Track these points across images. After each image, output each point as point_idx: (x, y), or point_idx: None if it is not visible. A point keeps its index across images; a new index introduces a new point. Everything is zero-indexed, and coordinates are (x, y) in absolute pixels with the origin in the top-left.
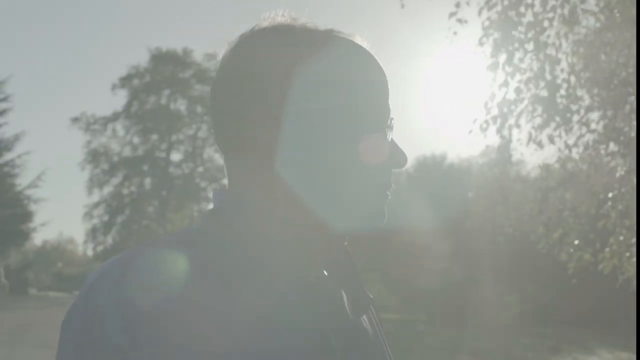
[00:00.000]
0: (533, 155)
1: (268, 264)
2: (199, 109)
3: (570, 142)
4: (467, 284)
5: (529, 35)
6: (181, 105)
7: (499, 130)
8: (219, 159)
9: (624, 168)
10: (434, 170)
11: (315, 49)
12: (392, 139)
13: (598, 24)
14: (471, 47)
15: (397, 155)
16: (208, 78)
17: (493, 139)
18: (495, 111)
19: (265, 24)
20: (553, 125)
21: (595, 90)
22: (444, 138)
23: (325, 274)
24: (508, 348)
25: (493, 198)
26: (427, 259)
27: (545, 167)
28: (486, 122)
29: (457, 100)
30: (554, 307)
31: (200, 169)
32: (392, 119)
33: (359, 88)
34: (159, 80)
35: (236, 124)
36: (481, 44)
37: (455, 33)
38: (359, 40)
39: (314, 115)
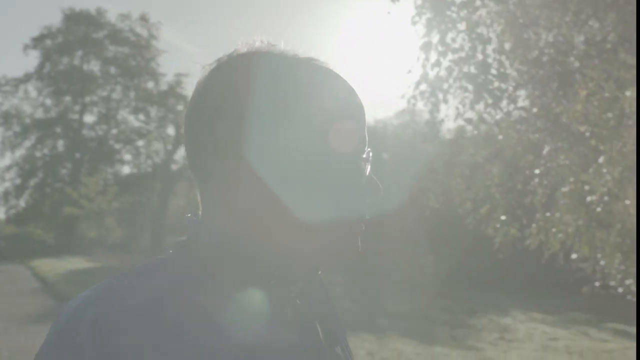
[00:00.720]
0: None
1: (238, 299)
2: (112, 70)
3: (499, 119)
4: (383, 245)
5: (462, 14)
6: (95, 66)
7: (426, 106)
8: (133, 121)
9: (550, 145)
10: None
11: (294, 78)
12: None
13: (528, 2)
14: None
15: (374, 186)
16: (122, 39)
17: (420, 114)
18: (424, 87)
19: (243, 49)
20: (482, 103)
21: (524, 68)
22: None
23: (299, 305)
24: (426, 310)
25: (406, 158)
26: None
27: (473, 142)
28: (414, 97)
29: (374, 62)
30: (470, 270)
31: (114, 131)
32: (369, 151)
33: (337, 120)
34: (72, 40)
35: (204, 154)
36: (414, 23)
37: (389, 12)
38: (337, 70)
39: (287, 147)
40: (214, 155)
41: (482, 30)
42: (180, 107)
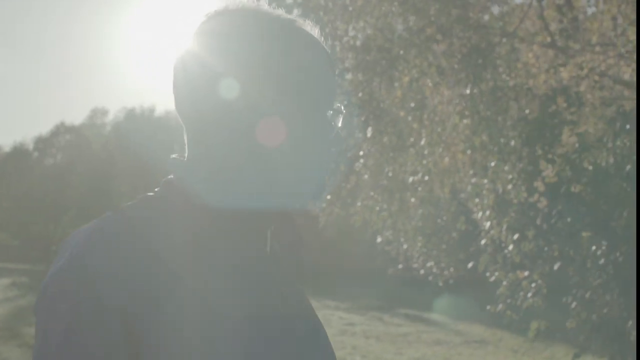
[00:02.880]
0: None
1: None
2: None
3: None
4: None
5: (298, 0)
6: None
7: None
8: None
9: (374, 128)
10: (142, 121)
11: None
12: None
13: None
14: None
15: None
16: None
17: None
18: None
19: (232, 6)
20: None
21: (351, 54)
22: (154, 90)
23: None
24: None
25: None
26: None
27: None
28: None
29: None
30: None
31: None
32: (340, 105)
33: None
34: None
35: (191, 101)
36: None
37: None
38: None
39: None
40: (193, 103)
41: (315, 16)
42: None
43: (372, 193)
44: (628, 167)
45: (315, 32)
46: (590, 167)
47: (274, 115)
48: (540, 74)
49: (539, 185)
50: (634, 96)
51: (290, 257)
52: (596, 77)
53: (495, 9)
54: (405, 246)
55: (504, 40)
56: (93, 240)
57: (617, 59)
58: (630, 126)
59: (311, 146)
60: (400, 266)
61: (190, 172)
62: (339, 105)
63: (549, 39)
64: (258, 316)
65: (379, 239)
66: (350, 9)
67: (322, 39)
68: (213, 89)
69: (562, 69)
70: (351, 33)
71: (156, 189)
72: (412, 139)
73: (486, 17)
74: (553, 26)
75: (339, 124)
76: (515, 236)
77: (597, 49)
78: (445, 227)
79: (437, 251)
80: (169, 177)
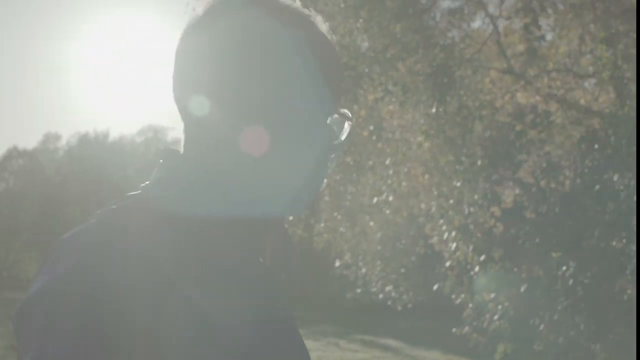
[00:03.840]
0: None
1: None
2: None
3: None
4: None
5: None
6: None
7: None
8: None
9: None
10: (96, 147)
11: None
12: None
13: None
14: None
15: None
16: None
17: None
18: None
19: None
20: None
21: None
22: (108, 115)
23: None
24: None
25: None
26: None
27: None
28: None
29: (124, 78)
30: None
31: None
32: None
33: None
34: None
35: (182, 100)
36: None
37: (194, 9)
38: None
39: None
40: (184, 103)
41: None
42: None
43: (335, 214)
44: (597, 186)
45: (323, 28)
46: (559, 187)
47: (260, 122)
48: (497, 99)
49: (495, 210)
50: (596, 119)
51: (280, 264)
52: (553, 103)
53: (454, 33)
54: (363, 270)
55: (464, 63)
56: (96, 248)
57: (573, 84)
58: (599, 146)
59: (304, 153)
60: (358, 290)
61: (173, 180)
62: (344, 111)
63: (505, 65)
64: (256, 320)
65: (337, 263)
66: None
67: (331, 37)
68: (202, 92)
69: (518, 93)
70: None
71: (120, 202)
72: (370, 162)
73: (448, 40)
74: (510, 52)
75: (344, 130)
76: (482, 257)
77: (554, 74)
78: (405, 251)
79: (396, 275)
80: (132, 193)
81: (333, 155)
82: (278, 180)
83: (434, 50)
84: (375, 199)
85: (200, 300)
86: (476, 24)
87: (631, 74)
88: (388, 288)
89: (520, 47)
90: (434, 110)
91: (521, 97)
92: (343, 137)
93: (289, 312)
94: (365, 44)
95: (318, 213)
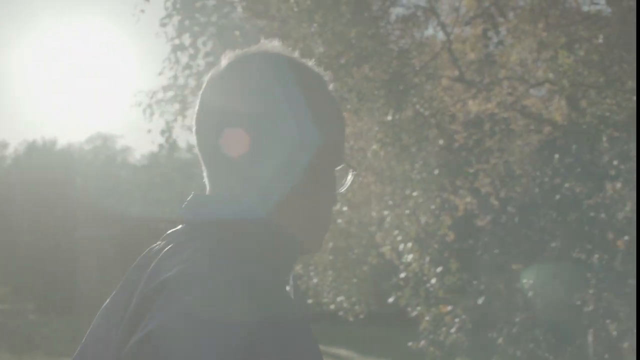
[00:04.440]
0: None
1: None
2: None
3: None
4: (75, 271)
5: (212, 18)
6: None
7: (162, 116)
8: None
9: None
10: (44, 155)
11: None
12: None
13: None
14: (154, 29)
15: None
16: None
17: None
18: (161, 96)
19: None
20: None
21: None
22: (56, 122)
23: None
24: None
25: (100, 184)
26: (34, 249)
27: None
28: (150, 106)
29: (72, 84)
30: None
31: None
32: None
33: (333, 127)
34: None
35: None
36: (163, 24)
37: (142, 11)
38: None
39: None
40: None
41: (232, 34)
42: None
43: None
44: (557, 196)
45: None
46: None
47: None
48: (449, 108)
49: (446, 219)
50: (548, 128)
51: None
52: (505, 113)
53: (407, 41)
54: (315, 280)
55: (419, 70)
56: (216, 283)
57: (525, 92)
58: (560, 155)
59: (323, 199)
60: (310, 301)
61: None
62: (347, 163)
63: (457, 73)
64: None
65: None
66: (267, 29)
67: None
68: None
69: (470, 101)
70: None
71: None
72: None
73: (404, 47)
74: (461, 60)
75: (347, 180)
76: (439, 269)
77: (506, 82)
78: (357, 261)
79: (347, 285)
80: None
81: (334, 205)
82: (308, 221)
83: (389, 57)
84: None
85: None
86: (429, 31)
87: (593, 80)
88: (340, 298)
89: (472, 55)
90: (389, 118)
91: (472, 105)
92: (346, 187)
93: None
94: (320, 50)
95: None
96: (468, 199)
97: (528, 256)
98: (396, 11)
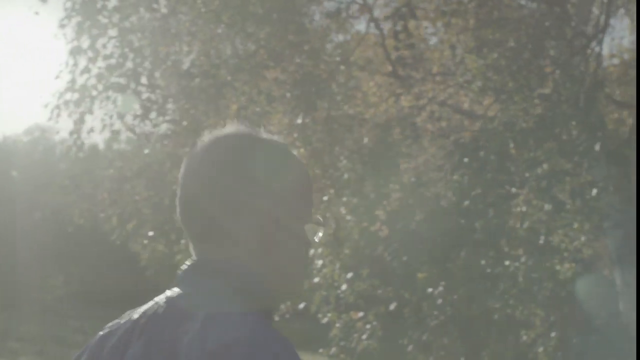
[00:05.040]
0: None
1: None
2: None
3: (148, 131)
4: (10, 266)
5: (113, 20)
6: None
7: (71, 116)
8: None
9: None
10: None
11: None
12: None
13: (183, 16)
14: (52, 29)
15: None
16: None
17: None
18: (69, 96)
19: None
20: (131, 114)
21: (175, 80)
22: None
23: None
24: (57, 332)
25: (39, 178)
26: None
27: (120, 156)
28: (58, 107)
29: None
30: (98, 287)
31: None
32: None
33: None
34: None
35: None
36: (62, 26)
37: (37, 13)
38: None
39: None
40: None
41: (133, 37)
42: None
43: None
44: (466, 202)
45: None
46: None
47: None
48: (382, 103)
49: (380, 213)
50: (473, 127)
51: None
52: (435, 107)
53: (335, 36)
54: None
55: (342, 68)
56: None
57: (457, 88)
58: (469, 159)
59: (296, 252)
60: None
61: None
62: (318, 217)
63: (390, 68)
64: None
65: None
66: (173, 31)
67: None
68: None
69: (402, 97)
70: (173, 57)
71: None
72: None
73: (328, 45)
74: (394, 55)
75: (318, 235)
76: (349, 275)
77: (438, 78)
78: None
79: None
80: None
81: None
82: (284, 274)
83: (303, 58)
84: None
85: None
86: (361, 27)
87: (507, 84)
88: None
89: (397, 49)
90: (300, 121)
91: (404, 101)
92: (317, 240)
93: None
94: (228, 51)
95: (179, 229)
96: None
97: (436, 264)
98: (328, 5)
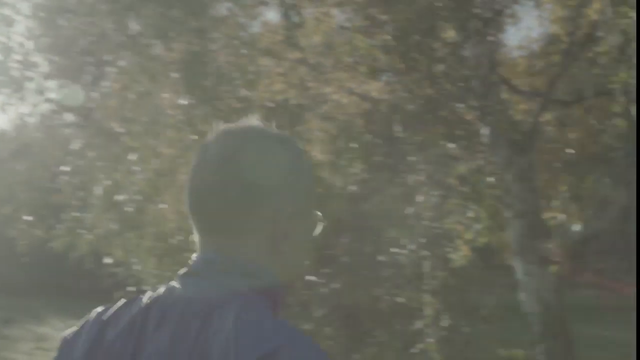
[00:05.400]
0: None
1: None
2: None
3: (25, 111)
4: None
5: None
6: None
7: None
8: None
9: (82, 141)
10: None
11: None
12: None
13: None
14: None
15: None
16: None
17: None
18: None
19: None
20: (7, 92)
21: (55, 58)
22: None
23: None
24: None
25: None
26: None
27: None
28: None
29: None
30: (3, 277)
31: None
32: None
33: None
34: None
35: (246, 216)
36: None
37: None
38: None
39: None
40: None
41: (7, 11)
42: None
43: (75, 213)
44: (352, 187)
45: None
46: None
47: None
48: (290, 89)
49: None
50: (360, 109)
51: None
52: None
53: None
54: (136, 267)
55: (244, 52)
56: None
57: (366, 77)
58: (359, 145)
59: (303, 247)
60: (132, 289)
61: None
62: (318, 212)
63: (300, 55)
64: None
65: (107, 260)
66: (48, 4)
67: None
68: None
69: (310, 84)
70: (52, 33)
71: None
72: (123, 154)
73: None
74: (304, 42)
75: (319, 229)
76: None
77: (348, 67)
78: (179, 247)
79: (170, 273)
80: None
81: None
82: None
83: (188, 36)
84: (122, 197)
85: None
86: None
87: (391, 66)
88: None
89: (316, 39)
90: (185, 102)
91: (313, 89)
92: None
93: None
94: (110, 25)
95: (57, 214)
96: None
97: (317, 250)
98: None
